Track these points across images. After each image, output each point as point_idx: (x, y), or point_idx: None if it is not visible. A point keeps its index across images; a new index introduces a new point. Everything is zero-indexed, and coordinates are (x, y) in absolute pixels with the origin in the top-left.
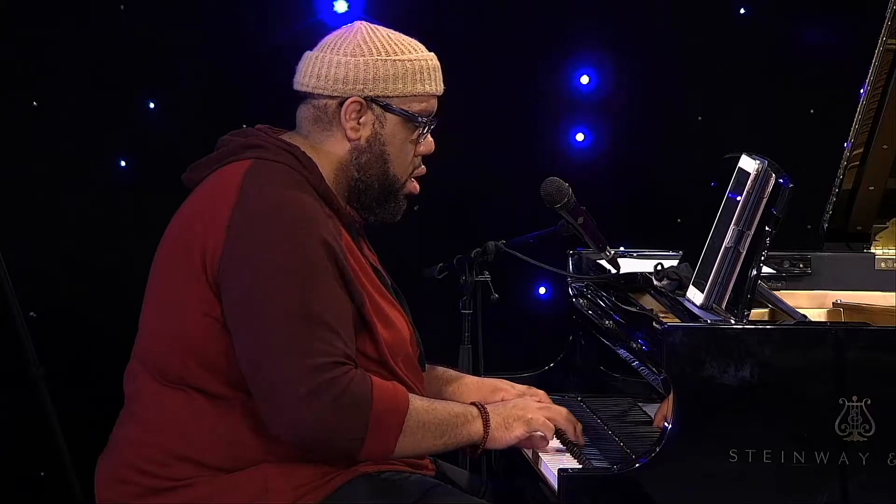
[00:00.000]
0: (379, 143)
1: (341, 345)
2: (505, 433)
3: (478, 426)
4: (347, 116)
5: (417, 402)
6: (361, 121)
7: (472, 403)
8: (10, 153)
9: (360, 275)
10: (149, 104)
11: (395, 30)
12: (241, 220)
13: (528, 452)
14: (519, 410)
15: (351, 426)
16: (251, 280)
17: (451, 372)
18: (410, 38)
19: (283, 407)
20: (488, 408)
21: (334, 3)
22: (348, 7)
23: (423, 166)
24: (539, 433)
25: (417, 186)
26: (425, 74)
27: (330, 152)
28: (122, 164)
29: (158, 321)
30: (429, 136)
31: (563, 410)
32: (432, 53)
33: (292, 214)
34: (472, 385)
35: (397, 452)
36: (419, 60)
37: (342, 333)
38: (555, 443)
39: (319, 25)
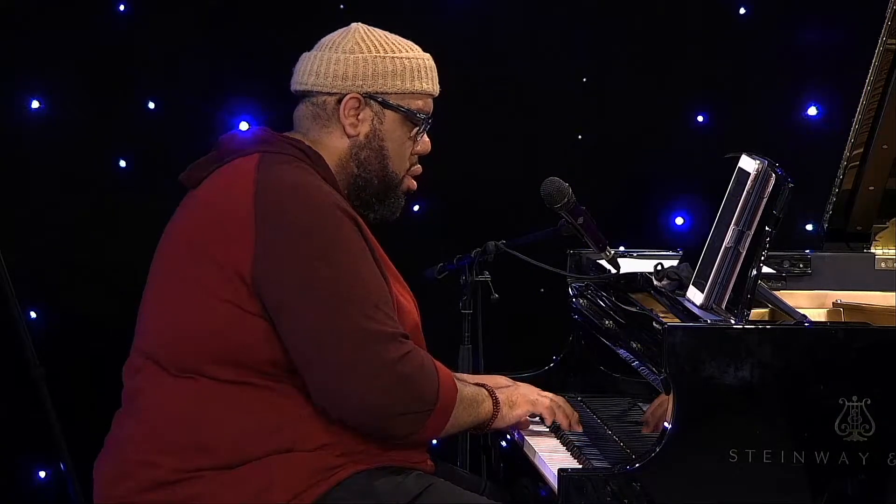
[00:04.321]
0: (378, 139)
1: (397, 320)
2: (510, 411)
3: (489, 404)
4: (346, 112)
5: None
6: (360, 117)
7: (476, 384)
8: (10, 153)
9: (379, 258)
10: (149, 104)
11: (394, 28)
12: (269, 210)
13: (522, 442)
14: (524, 390)
15: (423, 399)
16: (297, 266)
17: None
18: (406, 39)
19: (356, 388)
20: (493, 389)
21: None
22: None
23: (418, 165)
24: (542, 412)
25: (415, 183)
26: (422, 73)
27: (329, 147)
28: (122, 164)
29: (170, 314)
30: (425, 135)
31: (562, 399)
32: (428, 54)
33: (318, 199)
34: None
35: (445, 431)
36: (416, 59)
37: (393, 309)
38: (553, 440)
39: (319, 26)
